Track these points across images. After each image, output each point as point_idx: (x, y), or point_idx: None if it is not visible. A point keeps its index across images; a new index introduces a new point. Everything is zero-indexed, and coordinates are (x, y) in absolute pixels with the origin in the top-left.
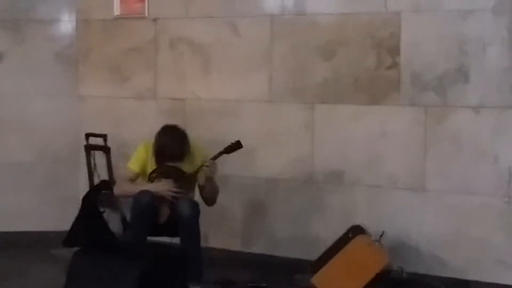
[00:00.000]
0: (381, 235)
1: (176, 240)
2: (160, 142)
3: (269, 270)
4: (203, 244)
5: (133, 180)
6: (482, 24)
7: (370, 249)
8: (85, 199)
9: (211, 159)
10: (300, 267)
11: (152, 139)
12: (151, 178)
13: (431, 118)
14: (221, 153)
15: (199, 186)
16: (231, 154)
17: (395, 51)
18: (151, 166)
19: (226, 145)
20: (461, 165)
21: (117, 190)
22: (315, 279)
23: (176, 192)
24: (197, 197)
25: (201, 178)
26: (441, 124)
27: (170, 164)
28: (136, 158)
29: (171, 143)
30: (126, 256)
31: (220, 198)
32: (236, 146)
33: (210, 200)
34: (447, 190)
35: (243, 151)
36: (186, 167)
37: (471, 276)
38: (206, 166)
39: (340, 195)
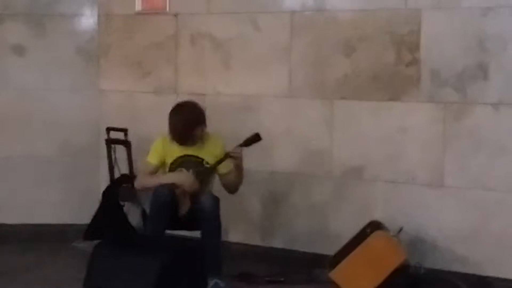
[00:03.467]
0: (399, 231)
1: (195, 233)
2: (169, 119)
3: (288, 265)
4: (222, 238)
5: (153, 173)
6: (502, 21)
7: (388, 244)
8: (106, 192)
9: (231, 151)
10: (318, 262)
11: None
12: (171, 169)
13: (450, 114)
14: (240, 146)
15: (221, 174)
16: (251, 148)
17: (415, 47)
18: (171, 156)
19: (245, 138)
20: (479, 161)
21: (137, 184)
22: (333, 274)
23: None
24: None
25: (226, 165)
26: (460, 120)
27: (190, 154)
28: (153, 151)
29: (177, 119)
30: (146, 249)
31: (239, 192)
32: (255, 138)
33: (233, 187)
34: (465, 186)
35: (262, 145)
36: (205, 155)
37: (489, 272)
38: (233, 153)
39: (359, 190)
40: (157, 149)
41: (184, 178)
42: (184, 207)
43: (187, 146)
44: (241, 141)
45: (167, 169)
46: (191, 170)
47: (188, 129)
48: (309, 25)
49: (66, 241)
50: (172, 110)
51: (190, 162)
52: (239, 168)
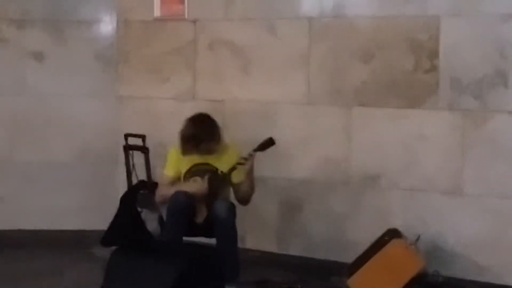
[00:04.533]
0: (417, 239)
1: (213, 240)
2: (183, 131)
3: (305, 272)
4: (239, 245)
5: (171, 185)
6: None
7: (406, 252)
8: (124, 199)
9: (244, 157)
10: (336, 270)
11: None
12: (185, 178)
13: (469, 122)
14: (254, 151)
15: (234, 186)
16: (268, 155)
17: (434, 54)
18: (185, 166)
19: (258, 143)
20: (499, 169)
21: (157, 198)
22: (351, 282)
23: (210, 193)
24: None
25: (238, 175)
26: (479, 128)
27: (203, 162)
28: (169, 163)
29: (194, 129)
30: (163, 256)
31: (257, 199)
32: (268, 143)
33: (245, 200)
34: (484, 194)
35: (279, 152)
36: (221, 165)
37: (508, 280)
38: (244, 159)
39: (377, 198)
40: (171, 160)
41: (197, 186)
42: (201, 216)
43: (200, 155)
44: (255, 146)
45: (182, 180)
46: (205, 177)
47: (193, 143)
48: (328, 32)
49: (84, 247)
50: (185, 122)
51: (204, 170)
52: (249, 175)
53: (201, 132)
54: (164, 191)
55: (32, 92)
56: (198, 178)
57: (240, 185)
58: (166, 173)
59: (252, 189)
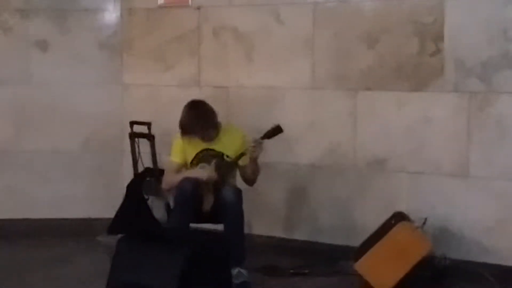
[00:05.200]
0: (424, 222)
1: (219, 226)
2: (182, 119)
3: (312, 257)
4: (246, 231)
5: (178, 171)
6: None
7: (413, 235)
8: (130, 186)
9: (252, 145)
10: (343, 254)
11: None
12: (192, 165)
13: (475, 104)
14: (261, 139)
15: (240, 167)
16: (274, 140)
17: (438, 37)
18: (190, 153)
19: (265, 131)
20: (505, 151)
21: (164, 185)
22: (358, 266)
23: (218, 180)
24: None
25: (244, 159)
26: (485, 110)
27: (209, 148)
28: (175, 150)
29: (191, 121)
30: (170, 243)
31: (263, 185)
32: (276, 130)
33: (251, 180)
34: (491, 176)
35: (285, 137)
36: (225, 149)
37: None
38: (253, 146)
39: (383, 181)
40: (178, 147)
41: (205, 173)
42: (208, 203)
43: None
44: (262, 134)
45: (188, 167)
46: (212, 163)
47: (191, 132)
48: (332, 17)
49: (91, 235)
50: (182, 111)
51: (210, 156)
52: (254, 161)
53: (196, 122)
54: (171, 178)
55: (36, 82)
56: (205, 165)
57: (245, 168)
58: (173, 160)
59: (257, 172)
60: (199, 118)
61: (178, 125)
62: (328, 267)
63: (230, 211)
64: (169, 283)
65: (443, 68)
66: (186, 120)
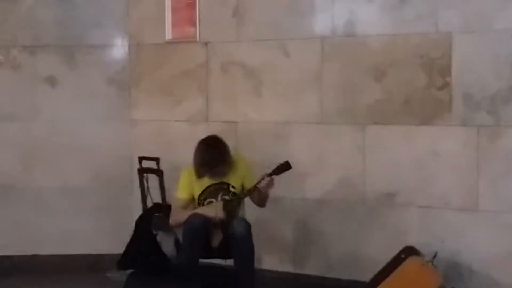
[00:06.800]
0: (434, 256)
1: (228, 262)
2: (198, 155)
3: None
4: (256, 265)
5: (184, 208)
6: None
7: (424, 270)
8: (139, 222)
9: (265, 182)
10: None
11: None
12: (200, 201)
13: (484, 138)
14: (269, 175)
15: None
16: (282, 175)
17: (446, 71)
18: (198, 188)
19: (274, 167)
20: None
21: (171, 221)
22: None
23: (225, 217)
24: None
25: (249, 184)
26: (493, 144)
27: (216, 183)
28: (181, 185)
29: (208, 154)
30: (180, 278)
31: (272, 220)
32: (284, 167)
33: (260, 205)
34: (500, 210)
35: (294, 172)
36: (233, 181)
37: None
38: (266, 184)
39: (392, 216)
40: (184, 183)
41: (213, 210)
42: (217, 240)
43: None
44: (270, 170)
45: (196, 203)
46: (219, 200)
47: (207, 167)
48: (339, 51)
49: (100, 271)
50: (196, 147)
51: (218, 190)
52: (263, 195)
53: (214, 158)
54: (178, 216)
55: (45, 118)
56: (213, 200)
57: (254, 197)
58: (178, 196)
59: (266, 199)
60: (218, 155)
61: (194, 163)
62: None
63: (241, 246)
64: None
65: (451, 102)
66: (204, 159)
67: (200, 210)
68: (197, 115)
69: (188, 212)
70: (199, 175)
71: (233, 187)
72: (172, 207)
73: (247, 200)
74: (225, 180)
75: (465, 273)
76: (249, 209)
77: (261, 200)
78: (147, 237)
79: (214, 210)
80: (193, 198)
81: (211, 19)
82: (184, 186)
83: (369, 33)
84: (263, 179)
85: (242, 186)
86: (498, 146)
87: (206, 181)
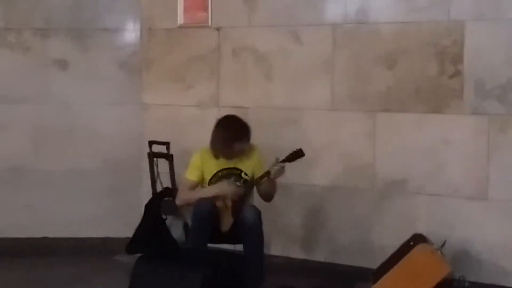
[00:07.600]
0: (443, 244)
1: (238, 247)
2: (219, 131)
3: (330, 278)
4: (265, 251)
5: (193, 189)
6: None
7: (432, 258)
8: (148, 206)
9: (277, 167)
10: (361, 275)
11: (204, 146)
12: (210, 183)
13: (494, 126)
14: (282, 162)
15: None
16: (293, 163)
17: (458, 59)
18: (209, 171)
19: (287, 154)
20: None
21: (178, 200)
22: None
23: (238, 200)
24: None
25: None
26: (504, 132)
27: (228, 167)
28: (192, 167)
29: (234, 126)
30: (189, 263)
31: (281, 206)
32: (297, 154)
33: (269, 197)
34: (510, 198)
35: (304, 158)
36: (245, 168)
37: None
38: (277, 170)
39: (402, 203)
40: (195, 164)
41: (226, 188)
42: (226, 224)
43: (227, 160)
44: (283, 157)
45: (206, 185)
46: (232, 180)
47: (229, 145)
48: (351, 38)
49: (109, 254)
50: (216, 124)
51: (230, 175)
52: (273, 181)
53: (236, 131)
54: (185, 195)
55: (56, 101)
56: (225, 182)
57: (264, 186)
58: (188, 177)
59: (275, 190)
60: (244, 127)
61: (214, 140)
62: None
63: (251, 232)
64: None
65: (462, 90)
66: (230, 130)
67: (211, 189)
68: (208, 100)
69: (195, 192)
70: (217, 153)
71: (245, 174)
72: (180, 187)
73: (254, 191)
74: (238, 166)
75: (474, 262)
76: (258, 196)
77: (268, 191)
78: (157, 221)
79: (225, 187)
80: (201, 180)
81: (223, 4)
82: (195, 168)
83: (381, 21)
84: (275, 165)
85: (253, 176)
86: (508, 134)
87: (218, 165)
